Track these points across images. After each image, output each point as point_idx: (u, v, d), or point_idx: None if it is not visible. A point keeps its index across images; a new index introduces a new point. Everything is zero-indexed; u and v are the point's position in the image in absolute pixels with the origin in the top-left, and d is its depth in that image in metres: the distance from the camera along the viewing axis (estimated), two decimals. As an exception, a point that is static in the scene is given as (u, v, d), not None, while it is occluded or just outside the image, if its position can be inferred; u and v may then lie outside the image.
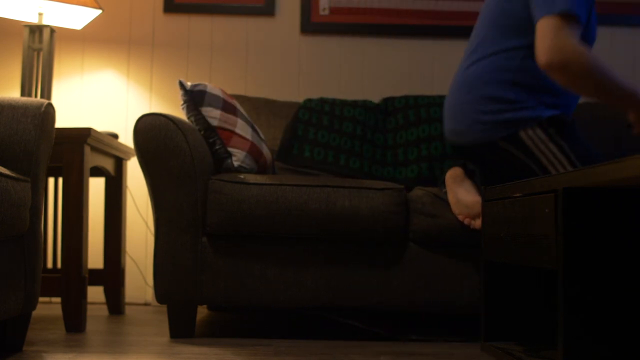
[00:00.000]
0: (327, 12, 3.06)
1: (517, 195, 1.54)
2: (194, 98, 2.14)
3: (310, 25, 3.06)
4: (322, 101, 2.67)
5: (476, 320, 2.08)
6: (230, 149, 2.11)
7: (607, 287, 1.26)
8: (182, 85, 2.15)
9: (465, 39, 3.08)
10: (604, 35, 3.10)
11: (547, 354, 1.56)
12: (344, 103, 2.67)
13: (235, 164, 2.11)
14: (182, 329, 2.02)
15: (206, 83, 2.23)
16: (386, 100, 2.76)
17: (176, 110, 2.97)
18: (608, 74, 1.88)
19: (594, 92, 1.90)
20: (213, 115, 2.13)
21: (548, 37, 1.85)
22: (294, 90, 3.04)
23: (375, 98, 2.99)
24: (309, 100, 2.67)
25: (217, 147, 2.11)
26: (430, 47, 3.10)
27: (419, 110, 2.64)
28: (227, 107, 2.19)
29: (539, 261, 1.38)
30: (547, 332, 1.78)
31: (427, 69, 3.08)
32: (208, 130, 2.12)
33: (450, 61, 3.08)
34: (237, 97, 2.76)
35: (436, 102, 2.70)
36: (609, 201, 1.26)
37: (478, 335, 2.03)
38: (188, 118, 2.15)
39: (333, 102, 2.66)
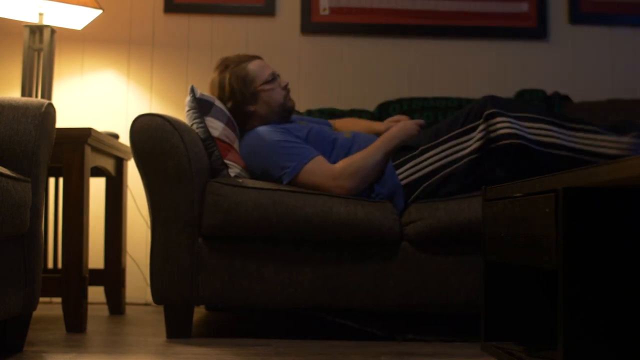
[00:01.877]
0: (327, 12, 3.06)
1: (518, 195, 1.54)
2: (202, 106, 2.17)
3: (311, 25, 3.06)
4: (320, 113, 2.72)
5: (473, 320, 2.08)
6: (226, 161, 2.12)
7: (607, 287, 1.26)
8: (192, 91, 2.18)
9: (465, 39, 3.09)
10: (604, 35, 3.10)
11: (547, 353, 1.56)
12: (341, 117, 2.70)
13: (232, 174, 2.11)
14: (179, 330, 2.02)
15: (214, 97, 2.26)
16: (381, 107, 2.78)
17: (176, 110, 2.97)
18: (364, 158, 2.15)
19: (379, 168, 2.16)
20: (215, 126, 2.15)
21: (319, 180, 2.12)
22: (293, 90, 3.02)
23: (375, 98, 2.99)
24: (308, 112, 2.72)
25: (215, 157, 2.11)
26: (431, 47, 3.09)
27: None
28: (230, 123, 2.23)
29: (539, 261, 1.38)
30: (547, 332, 1.78)
31: (427, 69, 3.08)
32: (209, 139, 2.12)
33: (450, 61, 3.08)
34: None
35: (430, 105, 2.71)
36: (609, 201, 1.26)
37: (475, 335, 2.03)
38: (191, 124, 2.15)
39: (329, 119, 2.71)
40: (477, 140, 2.06)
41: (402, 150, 2.18)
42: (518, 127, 2.02)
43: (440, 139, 2.12)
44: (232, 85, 2.30)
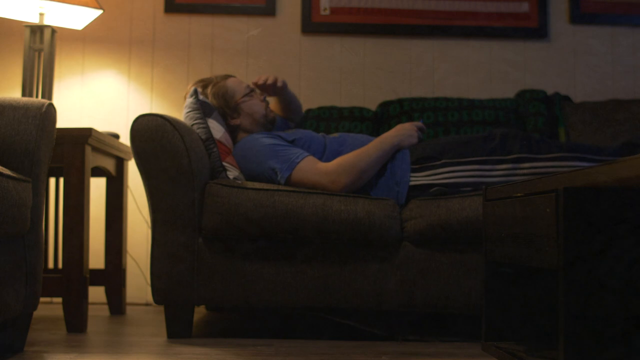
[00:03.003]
0: (327, 12, 3.07)
1: (518, 195, 1.55)
2: (205, 108, 2.20)
3: (311, 25, 3.06)
4: (320, 111, 2.73)
5: (473, 320, 2.08)
6: (225, 164, 2.14)
7: (607, 287, 1.26)
8: (195, 93, 2.21)
9: (465, 39, 3.09)
10: (604, 35, 3.10)
11: (548, 353, 1.56)
12: (340, 115, 2.71)
13: (231, 176, 2.12)
14: (179, 330, 2.03)
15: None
16: (382, 107, 2.78)
17: (177, 110, 2.97)
18: (359, 155, 2.16)
19: (375, 167, 2.18)
20: (217, 128, 2.20)
21: (313, 178, 2.14)
22: (294, 90, 3.04)
23: (375, 98, 3.00)
24: (308, 110, 2.72)
25: (214, 158, 2.12)
26: (431, 47, 3.10)
27: (411, 117, 2.66)
28: (228, 132, 2.30)
29: (539, 261, 1.38)
30: (547, 332, 1.78)
31: (428, 69, 3.08)
32: (210, 139, 2.14)
33: (450, 61, 3.08)
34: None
35: (431, 106, 2.71)
36: (609, 201, 1.26)
37: (475, 335, 2.03)
38: (191, 125, 2.16)
39: (329, 117, 2.70)
40: (499, 176, 2.14)
41: (426, 159, 2.22)
42: (546, 170, 2.11)
43: (465, 159, 2.18)
44: (214, 102, 2.35)
